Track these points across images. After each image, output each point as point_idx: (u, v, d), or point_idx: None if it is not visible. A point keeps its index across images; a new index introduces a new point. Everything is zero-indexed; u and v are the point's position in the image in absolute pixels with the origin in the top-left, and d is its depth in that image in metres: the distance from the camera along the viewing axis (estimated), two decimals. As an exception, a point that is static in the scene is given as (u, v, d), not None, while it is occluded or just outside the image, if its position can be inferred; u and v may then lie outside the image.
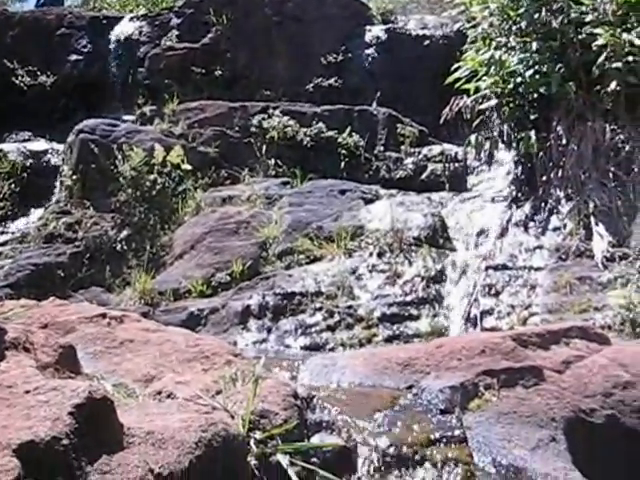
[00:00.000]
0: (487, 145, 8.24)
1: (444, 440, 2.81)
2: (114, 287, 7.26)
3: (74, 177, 8.22)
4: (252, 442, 2.56)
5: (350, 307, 6.00)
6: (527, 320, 5.80)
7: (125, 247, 7.69)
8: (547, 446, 3.07)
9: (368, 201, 7.51)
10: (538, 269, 6.34)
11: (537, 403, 3.31)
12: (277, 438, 2.59)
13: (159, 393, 2.86)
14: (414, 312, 5.96)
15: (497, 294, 6.13)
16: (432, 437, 2.81)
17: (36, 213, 8.59)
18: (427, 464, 2.71)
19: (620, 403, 3.58)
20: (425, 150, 8.88)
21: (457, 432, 2.86)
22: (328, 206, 7.38)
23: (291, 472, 2.54)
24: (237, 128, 9.09)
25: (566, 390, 3.49)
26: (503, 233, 6.90)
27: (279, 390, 2.77)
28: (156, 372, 3.05)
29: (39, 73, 11.12)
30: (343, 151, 8.80)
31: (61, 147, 9.29)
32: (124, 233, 7.82)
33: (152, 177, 7.99)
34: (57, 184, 8.77)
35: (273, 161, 8.74)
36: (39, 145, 9.86)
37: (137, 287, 6.90)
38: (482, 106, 8.07)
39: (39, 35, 11.52)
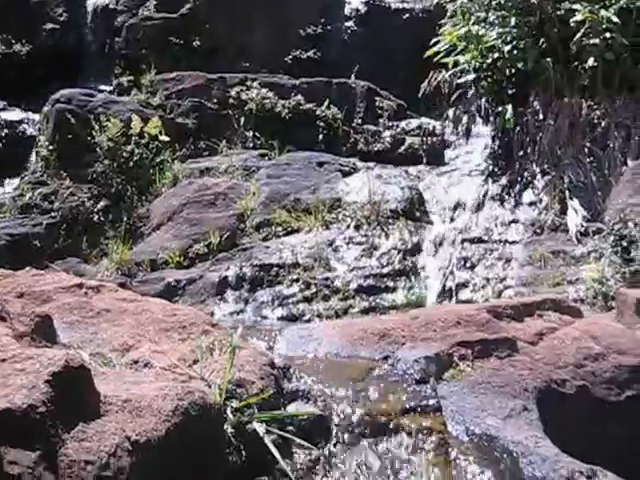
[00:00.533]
0: (465, 119, 8.27)
1: (418, 409, 2.86)
2: (91, 258, 7.23)
3: (50, 147, 8.13)
4: (229, 411, 2.58)
5: (327, 279, 6.03)
6: (502, 293, 5.87)
7: (102, 218, 7.65)
8: (519, 415, 3.12)
9: (346, 174, 7.51)
10: (513, 243, 6.40)
11: (510, 374, 3.37)
12: (254, 407, 2.62)
13: (136, 362, 2.87)
14: (390, 284, 6.00)
15: (472, 267, 6.19)
16: (407, 406, 2.85)
17: (11, 183, 8.51)
18: (402, 432, 2.76)
19: (591, 374, 3.65)
20: (403, 124, 8.88)
21: (432, 401, 2.91)
22: (306, 178, 7.38)
23: (267, 440, 2.58)
24: (215, 100, 9.02)
25: (539, 361, 3.55)
26: (479, 207, 6.95)
27: (256, 359, 2.80)
28: (133, 342, 3.06)
29: (14, 42, 10.95)
30: (321, 123, 8.77)
31: (37, 117, 9.18)
32: (101, 204, 7.77)
33: (129, 148, 7.93)
34: (33, 154, 8.67)
35: (251, 133, 8.71)
36: (14, 115, 9.72)
37: (114, 258, 6.88)
38: (460, 80, 8.08)
39: (14, 3, 11.34)
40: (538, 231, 6.53)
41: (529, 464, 2.74)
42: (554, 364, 3.58)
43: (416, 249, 6.36)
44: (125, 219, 7.50)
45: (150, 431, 2.18)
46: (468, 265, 6.20)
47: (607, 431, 3.51)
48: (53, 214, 7.66)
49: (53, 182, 7.96)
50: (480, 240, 6.46)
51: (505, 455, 2.78)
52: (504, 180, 7.24)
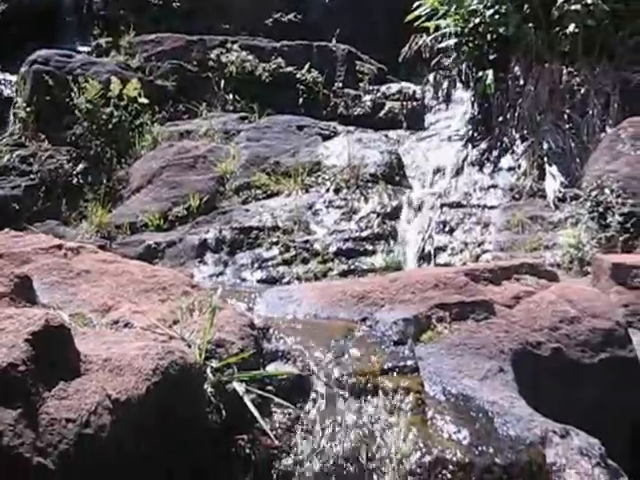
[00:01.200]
0: (445, 84, 8.26)
1: (396, 370, 2.89)
2: (70, 220, 7.21)
3: (28, 109, 8.04)
4: (209, 370, 2.60)
5: (306, 242, 6.06)
6: (480, 257, 5.92)
7: (81, 181, 7.60)
8: (495, 376, 3.17)
9: (326, 137, 7.51)
10: (492, 208, 6.45)
11: (487, 336, 3.41)
12: (233, 367, 2.64)
13: (116, 323, 2.88)
14: (369, 247, 6.04)
15: (451, 231, 6.23)
16: (385, 367, 2.89)
17: (-11, 145, 8.42)
18: (379, 392, 2.79)
19: (566, 337, 3.70)
20: (383, 88, 8.85)
21: (409, 362, 2.94)
22: (286, 142, 7.36)
23: (247, 399, 2.60)
24: (195, 62, 8.94)
25: (515, 324, 3.60)
26: (458, 172, 6.98)
27: (235, 320, 2.81)
28: (113, 302, 3.06)
29: (-11, 1, 10.77)
30: (301, 87, 8.73)
31: (14, 78, 9.05)
32: (80, 166, 7.71)
33: (108, 110, 7.86)
34: (10, 116, 8.57)
35: (231, 96, 8.65)
36: (-10, 75, 9.60)
37: (94, 220, 6.87)
38: (441, 45, 8.06)
39: (-11, -39, 11.12)
40: (516, 196, 6.57)
41: (504, 423, 2.79)
42: (530, 327, 3.63)
43: (395, 213, 6.40)
44: (104, 182, 7.47)
45: (131, 390, 2.19)
46: (447, 229, 6.24)
47: (581, 392, 3.58)
48: (32, 176, 7.60)
49: (31, 144, 7.89)
50: (459, 205, 6.50)
51: (481, 415, 2.82)
52: (483, 145, 7.27)
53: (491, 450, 2.61)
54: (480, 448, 2.62)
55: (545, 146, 6.91)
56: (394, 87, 8.83)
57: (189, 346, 2.61)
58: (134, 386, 2.21)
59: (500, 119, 7.41)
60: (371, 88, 8.88)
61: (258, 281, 5.73)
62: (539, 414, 2.96)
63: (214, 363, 2.62)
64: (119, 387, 2.18)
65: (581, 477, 2.75)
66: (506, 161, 7.04)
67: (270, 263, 5.90)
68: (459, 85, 8.23)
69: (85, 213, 7.17)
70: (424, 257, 6.03)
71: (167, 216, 6.69)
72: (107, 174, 7.61)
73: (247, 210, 6.48)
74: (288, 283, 5.60)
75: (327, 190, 6.63)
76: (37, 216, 7.20)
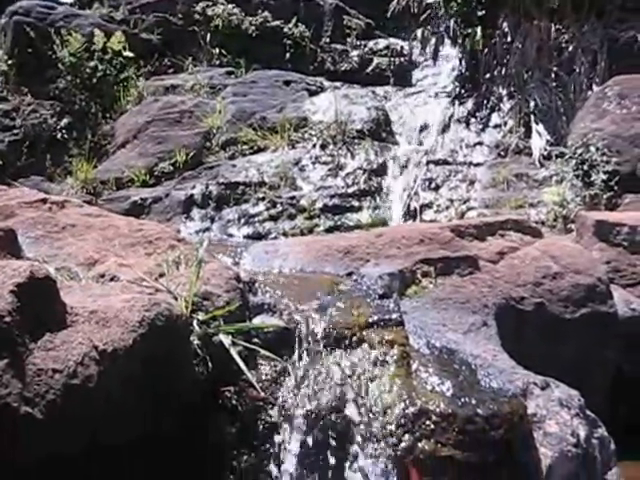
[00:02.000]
0: (433, 40, 8.21)
1: (382, 323, 2.91)
2: (55, 176, 7.17)
3: (9, 62, 7.93)
4: (195, 323, 2.62)
5: (293, 198, 6.06)
6: (465, 214, 5.95)
7: (66, 136, 7.55)
8: (479, 330, 3.21)
9: (312, 93, 7.47)
10: (477, 165, 6.46)
11: (471, 291, 3.45)
12: (219, 319, 2.65)
13: (102, 276, 2.88)
14: (355, 204, 6.05)
15: (437, 188, 6.25)
16: (370, 320, 2.91)
17: (-30, 99, 8.32)
18: (364, 345, 2.82)
19: (549, 292, 3.75)
20: (371, 43, 8.80)
21: (394, 316, 2.96)
22: (272, 97, 7.32)
23: (233, 351, 2.62)
24: (180, 15, 8.83)
25: (499, 279, 3.63)
26: (445, 129, 6.97)
27: (222, 273, 2.82)
28: (99, 256, 3.05)
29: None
30: (288, 41, 8.66)
31: (-5, 29, 8.92)
32: (64, 121, 7.65)
33: (92, 64, 7.77)
34: (-9, 69, 8.46)
35: (217, 50, 8.57)
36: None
37: (79, 176, 6.84)
38: (430, 0, 7.98)
39: None
40: (502, 154, 6.59)
41: (486, 376, 2.83)
42: (514, 282, 3.67)
43: (381, 170, 6.40)
44: (89, 137, 7.42)
45: (117, 341, 2.20)
46: (432, 186, 6.26)
47: (562, 346, 3.63)
48: (15, 131, 7.53)
49: (14, 98, 7.81)
50: (445, 162, 6.51)
51: (464, 367, 2.86)
52: (470, 102, 7.26)
53: (473, 401, 2.65)
54: (463, 399, 2.66)
55: (532, 104, 6.91)
56: (382, 43, 8.77)
57: (175, 299, 2.62)
58: (120, 337, 2.22)
59: (487, 76, 7.39)
60: (358, 43, 8.83)
61: (245, 237, 5.74)
62: (521, 367, 3.00)
63: (200, 316, 2.63)
64: (106, 338, 2.19)
65: (560, 427, 2.81)
66: (492, 118, 7.04)
67: (256, 219, 5.91)
68: (447, 41, 8.19)
69: (70, 169, 7.13)
70: (410, 214, 6.05)
71: (153, 171, 6.66)
72: (92, 129, 7.56)
73: (234, 165, 6.46)
74: (274, 239, 5.60)
75: (314, 146, 6.61)
76: (21, 172, 7.15)
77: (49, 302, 2.20)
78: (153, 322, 2.32)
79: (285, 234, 5.70)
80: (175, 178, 6.54)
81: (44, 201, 3.51)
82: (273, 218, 5.90)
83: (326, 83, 7.90)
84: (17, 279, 2.15)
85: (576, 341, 3.75)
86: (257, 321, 2.83)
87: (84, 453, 2.08)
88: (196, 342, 2.60)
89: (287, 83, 7.64)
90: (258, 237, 5.68)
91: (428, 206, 6.10)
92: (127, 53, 7.91)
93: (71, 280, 2.84)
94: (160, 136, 7.02)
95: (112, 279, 2.85)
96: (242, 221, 5.91)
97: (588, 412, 2.99)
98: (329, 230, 5.75)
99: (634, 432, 3.49)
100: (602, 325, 3.86)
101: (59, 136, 7.55)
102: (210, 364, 2.60)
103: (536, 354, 3.29)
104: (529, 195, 6.01)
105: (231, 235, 5.80)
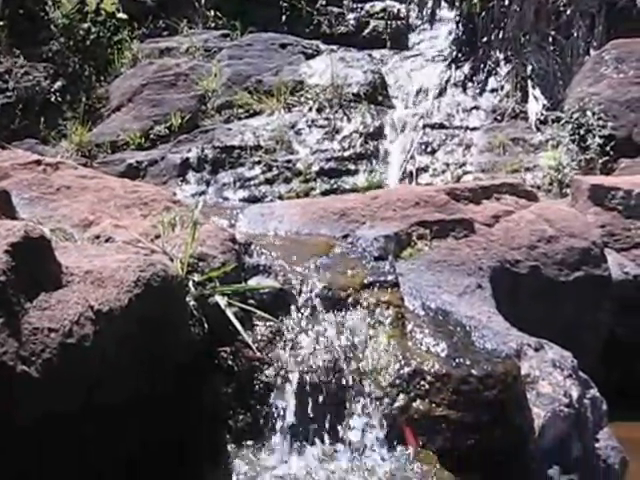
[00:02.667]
0: (430, 3, 8.15)
1: (377, 285, 2.92)
2: (49, 139, 7.13)
3: (0, 23, 7.84)
4: (191, 284, 2.62)
5: (289, 161, 6.05)
6: (461, 178, 5.95)
7: (59, 98, 7.49)
8: (473, 292, 3.23)
9: (309, 56, 7.42)
10: (474, 129, 6.45)
11: (466, 253, 3.46)
12: (215, 280, 2.65)
13: (97, 237, 2.88)
14: (352, 167, 6.05)
15: (433, 152, 6.25)
16: (366, 281, 2.91)
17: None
18: (360, 306, 2.83)
19: (543, 255, 3.77)
20: (367, 6, 8.72)
21: (390, 277, 2.97)
22: (268, 60, 7.27)
23: (229, 312, 2.63)
24: (175, -24, 8.73)
25: (494, 242, 3.65)
26: (441, 93, 6.94)
27: (217, 235, 2.82)
28: (94, 217, 3.05)
29: None
30: (284, 4, 8.57)
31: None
32: (58, 84, 7.58)
33: (85, 26, 7.69)
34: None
35: (212, 12, 8.49)
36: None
37: (73, 139, 6.81)
38: (427, -38, 7.91)
39: None
40: (498, 118, 6.58)
41: (481, 337, 2.84)
42: (508, 245, 3.68)
43: (378, 133, 6.38)
44: (83, 100, 7.36)
45: (113, 301, 2.20)
46: (429, 150, 6.25)
47: (556, 308, 3.66)
48: (8, 94, 7.47)
49: (6, 60, 7.73)
50: (441, 126, 6.50)
51: (459, 329, 2.88)
52: (467, 66, 7.22)
53: (468, 362, 2.67)
54: (457, 360, 2.67)
55: (529, 68, 6.87)
56: (378, 5, 8.69)
57: (171, 260, 2.62)
58: (116, 297, 2.22)
59: (484, 40, 7.34)
60: (355, 6, 8.74)
61: (240, 200, 5.74)
62: (515, 329, 3.02)
63: (196, 277, 2.63)
64: (101, 298, 2.19)
65: (553, 388, 2.84)
66: (489, 82, 7.00)
67: (252, 182, 5.91)
68: (444, 4, 8.13)
69: (64, 132, 7.10)
70: (406, 177, 6.05)
71: (148, 135, 6.64)
72: (86, 92, 7.50)
73: (229, 129, 6.44)
74: (270, 202, 5.60)
75: (310, 109, 6.59)
76: (15, 135, 7.10)
77: (44, 262, 2.20)
78: (149, 282, 2.32)
79: (281, 197, 5.70)
80: (170, 141, 6.52)
81: (38, 163, 3.50)
82: (269, 181, 5.90)
83: (322, 46, 7.84)
84: (11, 239, 2.14)
85: (570, 304, 3.78)
86: (253, 282, 2.83)
87: (80, 412, 2.09)
88: (192, 303, 2.60)
89: (283, 46, 7.59)
90: (254, 200, 5.67)
91: (424, 170, 6.10)
92: (121, 15, 7.83)
93: (66, 241, 2.84)
94: (155, 99, 6.98)
95: (107, 240, 2.85)
96: (238, 185, 5.90)
97: (581, 373, 3.01)
98: (325, 193, 5.75)
99: (626, 393, 3.53)
100: (596, 288, 3.89)
101: (53, 99, 7.49)
102: (206, 325, 2.60)
103: (530, 316, 3.31)
104: (525, 159, 6.01)
105: (227, 199, 5.80)
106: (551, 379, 2.87)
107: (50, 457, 2.05)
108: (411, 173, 6.08)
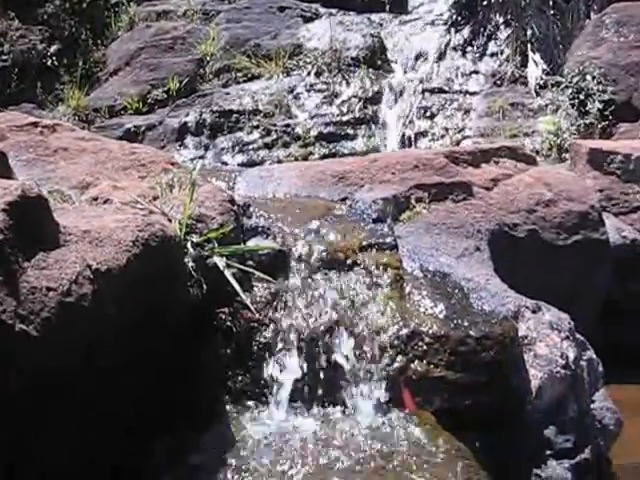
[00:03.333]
0: (430, -35, 8.04)
1: (375, 247, 2.92)
2: (46, 104, 7.08)
3: (-5, -15, 7.77)
4: (189, 245, 2.62)
5: (287, 126, 6.02)
6: (460, 143, 5.93)
7: (56, 62, 7.42)
8: (472, 255, 3.23)
9: (307, 19, 7.35)
10: (473, 94, 6.42)
11: (465, 216, 3.46)
12: (214, 241, 2.65)
13: (95, 199, 2.87)
14: (350, 132, 6.03)
15: (432, 117, 6.22)
16: (364, 243, 2.92)
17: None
18: (358, 268, 2.83)
19: (542, 219, 3.77)
20: (367, -31, 8.60)
21: (388, 240, 2.97)
22: (266, 23, 7.21)
23: (227, 273, 2.63)
24: (170, -64, 8.60)
25: (492, 205, 3.64)
26: (441, 57, 6.89)
27: (216, 196, 2.81)
28: (92, 179, 3.04)
29: None
30: (283, -33, 8.46)
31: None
32: (54, 48, 7.52)
33: (82, -12, 7.62)
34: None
35: (210, -25, 8.39)
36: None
37: (71, 104, 6.77)
38: None
39: None
40: (498, 83, 6.54)
41: (479, 299, 2.85)
42: (507, 209, 3.68)
43: (376, 98, 6.35)
44: (80, 64, 7.29)
45: (111, 260, 2.20)
46: (428, 115, 6.22)
47: (554, 271, 3.67)
48: (3, 57, 7.41)
49: (1, 23, 7.65)
50: (440, 90, 6.46)
51: (456, 290, 2.89)
52: (467, 30, 7.15)
53: (466, 323, 2.68)
54: (455, 322, 2.69)
55: (529, 32, 6.82)
56: (377, -32, 8.57)
57: (169, 221, 2.61)
58: (114, 257, 2.22)
59: (484, 3, 7.26)
60: (354, -31, 8.63)
61: (239, 165, 5.72)
62: (513, 291, 3.03)
63: (195, 238, 2.63)
64: (99, 258, 2.18)
65: (550, 349, 2.85)
66: (489, 47, 6.95)
67: (251, 147, 5.89)
68: (444, -33, 8.01)
69: (61, 96, 7.05)
70: (404, 142, 6.03)
71: (146, 99, 6.60)
72: (83, 56, 7.44)
73: (227, 93, 6.40)
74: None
75: (308, 73, 6.54)
76: (11, 99, 7.05)
77: (41, 221, 2.19)
78: (147, 243, 2.31)
79: (279, 162, 5.67)
80: (168, 106, 6.49)
81: (35, 125, 3.47)
82: (267, 146, 5.88)
83: (321, 9, 7.75)
84: (8, 197, 2.13)
85: (568, 267, 3.79)
86: (251, 244, 2.83)
87: (79, 371, 2.09)
88: (190, 264, 2.60)
89: (281, 9, 7.51)
90: (252, 165, 5.62)
91: (423, 134, 6.08)
92: (118, -24, 7.75)
93: (64, 203, 2.83)
94: (153, 63, 6.93)
95: (106, 202, 2.84)
96: (236, 149, 5.88)
97: (578, 335, 3.03)
98: (324, 158, 5.72)
99: (623, 356, 3.55)
100: (594, 252, 3.90)
101: (49, 63, 7.42)
102: (204, 286, 2.61)
103: (528, 280, 3.32)
104: (524, 124, 5.99)
105: (225, 163, 5.78)
106: (548, 341, 2.89)
107: (49, 418, 2.06)
108: (410, 138, 6.06)
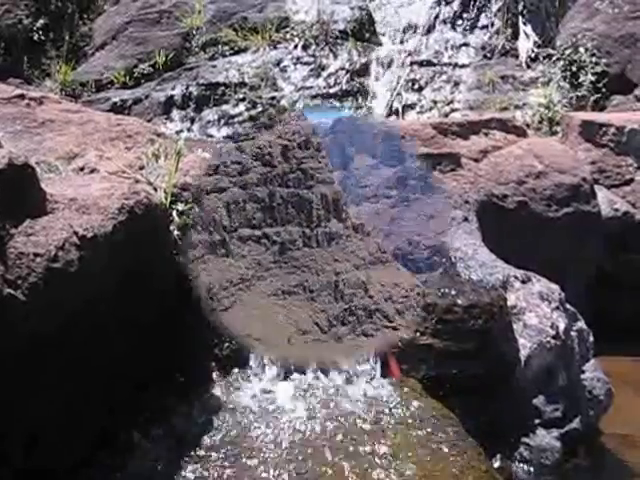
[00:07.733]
0: (420, -64, 7.96)
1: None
2: (33, 78, 7.00)
3: (-22, -41, 7.66)
4: (175, 213, 2.61)
5: (273, 98, 5.97)
6: (448, 115, 5.87)
7: (42, 37, 7.34)
8: (459, 225, 3.23)
9: (294, -8, 7.28)
10: (463, 66, 6.36)
11: (453, 187, 3.45)
12: (199, 210, 2.65)
13: (82, 169, 2.87)
14: (337, 104, 5.98)
15: (420, 89, 6.17)
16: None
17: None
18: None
19: (532, 191, 3.76)
20: (355, -61, 8.52)
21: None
22: (253, -4, 7.13)
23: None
24: None
25: (481, 177, 3.64)
26: (430, 29, 6.82)
27: (201, 165, 2.80)
28: (79, 150, 3.04)
29: None
30: (269, -63, 8.37)
31: None
32: (40, 22, 7.42)
33: (67, -39, 7.52)
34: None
35: (196, -53, 8.28)
36: None
37: (57, 78, 6.69)
38: None
39: None
40: (488, 55, 6.48)
41: (466, 268, 2.86)
42: (496, 180, 3.67)
43: (364, 70, 6.29)
44: (67, 38, 7.22)
45: (97, 227, 2.19)
46: (416, 87, 6.17)
47: (544, 243, 3.67)
48: (-11, 32, 7.32)
49: (-15, -3, 7.56)
50: (429, 63, 6.41)
51: (444, 259, 2.88)
52: (457, 2, 7.08)
53: (453, 292, 2.68)
54: (442, 290, 2.68)
55: (520, 4, 6.76)
56: (366, -62, 8.49)
57: (155, 189, 2.61)
58: (100, 224, 2.21)
59: (475, -26, 7.20)
60: (342, -61, 8.54)
61: (224, 137, 5.68)
62: (502, 261, 3.03)
63: (180, 206, 2.63)
64: (86, 225, 2.18)
65: (540, 319, 2.86)
66: (480, 19, 6.88)
67: (236, 120, 5.84)
68: (435, -64, 7.93)
69: (48, 71, 6.98)
70: (392, 114, 5.98)
71: (133, 73, 6.53)
72: (69, 30, 7.35)
73: (214, 66, 6.34)
74: (254, 139, 5.56)
75: (295, 46, 6.48)
76: (-2, 74, 6.98)
77: (28, 189, 2.18)
78: (132, 210, 2.31)
79: (266, 134, 5.64)
80: (155, 79, 6.41)
81: (22, 97, 3.46)
82: (253, 119, 5.83)
83: (309, -19, 7.68)
84: (-5, 166, 2.12)
85: (559, 239, 3.78)
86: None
87: (67, 336, 2.09)
88: (176, 232, 2.60)
89: (268, -18, 7.42)
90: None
91: (411, 107, 6.03)
92: (103, -51, 7.64)
93: (51, 173, 2.81)
94: (139, 37, 6.86)
95: (92, 171, 2.84)
96: (222, 122, 5.84)
97: (568, 306, 3.03)
98: (310, 130, 5.70)
99: (614, 328, 3.55)
100: (585, 224, 3.90)
101: (36, 37, 7.34)
102: (189, 254, 2.60)
103: (518, 250, 3.32)
104: (514, 97, 5.94)
105: (211, 136, 5.73)
106: (538, 311, 2.89)
107: (39, 381, 2.05)
108: (397, 110, 6.01)
